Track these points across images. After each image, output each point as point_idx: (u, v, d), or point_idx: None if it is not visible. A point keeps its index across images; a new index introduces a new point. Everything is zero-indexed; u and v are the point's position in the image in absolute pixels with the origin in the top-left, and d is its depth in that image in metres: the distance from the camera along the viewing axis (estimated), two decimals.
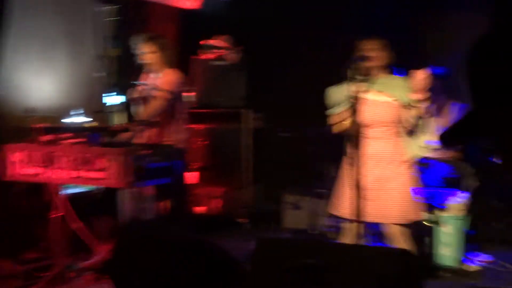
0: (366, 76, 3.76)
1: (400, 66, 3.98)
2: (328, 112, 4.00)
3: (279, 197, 6.32)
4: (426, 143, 5.33)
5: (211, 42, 6.48)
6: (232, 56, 6.40)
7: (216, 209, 6.36)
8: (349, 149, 3.69)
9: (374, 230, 4.28)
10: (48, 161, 4.25)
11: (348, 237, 3.94)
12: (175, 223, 4.68)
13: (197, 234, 4.54)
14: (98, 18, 5.79)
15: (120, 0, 6.23)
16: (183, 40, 6.64)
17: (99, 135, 4.33)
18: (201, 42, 6.49)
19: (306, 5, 6.44)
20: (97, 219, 4.73)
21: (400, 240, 3.86)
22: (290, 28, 6.53)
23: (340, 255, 2.72)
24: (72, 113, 4.62)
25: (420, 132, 3.90)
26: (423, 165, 5.38)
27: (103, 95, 5.74)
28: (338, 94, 3.94)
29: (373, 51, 3.84)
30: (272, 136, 6.66)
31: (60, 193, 4.29)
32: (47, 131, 4.34)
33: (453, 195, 4.79)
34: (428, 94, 3.71)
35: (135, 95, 4.96)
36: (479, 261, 4.78)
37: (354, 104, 3.53)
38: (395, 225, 3.85)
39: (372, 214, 3.74)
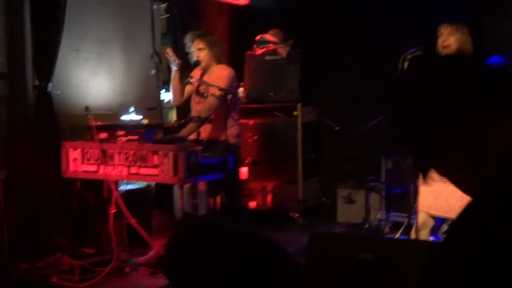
0: None
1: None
2: None
3: (333, 191, 6.29)
4: None
5: (265, 36, 6.48)
6: (285, 50, 6.38)
7: (269, 204, 6.38)
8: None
9: (437, 223, 4.20)
10: (104, 158, 4.35)
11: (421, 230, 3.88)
12: (229, 218, 4.71)
13: (251, 229, 4.57)
14: (152, 16, 5.86)
15: None
16: (237, 35, 6.67)
17: (153, 132, 4.40)
18: (256, 37, 6.50)
19: None
20: (152, 215, 4.81)
21: None
22: (342, 21, 6.47)
23: (394, 251, 2.68)
24: (127, 110, 4.71)
25: None
26: None
27: (159, 92, 5.83)
28: None
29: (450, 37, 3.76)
30: (325, 130, 6.62)
31: (117, 189, 4.37)
32: (103, 129, 4.44)
33: None
34: None
35: (189, 91, 5.01)
36: None
37: None
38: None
39: (437, 207, 3.69)
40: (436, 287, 1.57)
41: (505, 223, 1.41)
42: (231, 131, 4.84)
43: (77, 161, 4.53)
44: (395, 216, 5.54)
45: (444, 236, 4.50)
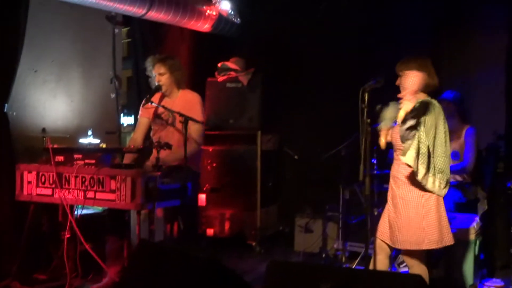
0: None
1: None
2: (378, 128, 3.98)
3: (291, 219, 6.30)
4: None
5: (227, 64, 6.51)
6: (246, 78, 6.42)
7: (227, 231, 6.34)
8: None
9: (393, 253, 4.25)
10: (60, 182, 4.27)
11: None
12: (186, 245, 4.66)
13: (208, 257, 4.52)
14: (113, 40, 5.83)
15: (133, 22, 6.27)
16: (198, 62, 6.68)
17: (111, 156, 4.34)
18: (218, 64, 6.52)
19: (320, 27, 6.46)
20: (108, 240, 4.72)
21: (412, 264, 3.81)
22: (304, 50, 6.55)
23: (350, 280, 2.69)
24: (85, 134, 4.65)
25: None
26: None
27: (118, 116, 5.78)
28: (386, 112, 3.86)
29: (400, 76, 3.82)
30: (285, 158, 6.65)
31: (72, 213, 4.29)
32: (60, 151, 4.36)
33: (464, 219, 4.74)
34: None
35: (151, 116, 4.96)
36: (490, 285, 4.71)
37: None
38: (408, 250, 3.80)
39: (388, 237, 3.78)
40: None
41: None
42: (193, 158, 4.81)
43: (32, 184, 4.43)
44: (352, 246, 5.56)
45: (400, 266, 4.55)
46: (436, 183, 3.64)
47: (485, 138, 5.50)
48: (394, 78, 3.83)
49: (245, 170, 6.37)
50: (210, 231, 6.31)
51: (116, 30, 5.91)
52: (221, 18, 6.56)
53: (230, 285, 2.88)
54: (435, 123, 3.62)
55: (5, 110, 4.75)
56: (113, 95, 5.56)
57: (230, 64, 6.51)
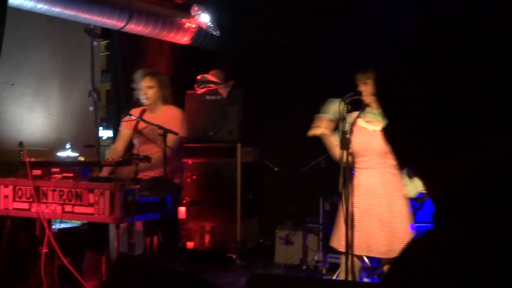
0: (361, 106, 3.84)
1: None
2: (316, 115, 4.01)
3: (271, 232, 6.28)
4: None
5: (207, 76, 6.50)
6: (225, 90, 6.41)
7: (207, 244, 6.31)
8: (344, 180, 3.75)
9: (373, 264, 4.24)
10: (38, 196, 4.21)
11: (343, 271, 3.91)
12: (166, 258, 4.62)
13: (188, 269, 4.49)
14: (92, 52, 5.80)
15: (112, 35, 6.25)
16: (178, 74, 6.67)
17: (89, 170, 4.30)
18: (198, 77, 6.51)
19: (301, 39, 6.49)
20: (86, 255, 4.66)
21: None
22: (284, 63, 6.57)
23: None
24: (63, 147, 4.60)
25: None
26: (418, 201, 5.37)
27: (97, 129, 5.73)
28: (333, 106, 3.93)
29: (366, 84, 3.88)
30: (265, 171, 6.64)
31: (49, 228, 4.23)
32: (38, 165, 4.31)
33: None
34: None
35: (130, 133, 4.93)
36: None
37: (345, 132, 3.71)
38: (389, 260, 3.82)
39: (361, 247, 3.76)
40: None
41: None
42: (175, 171, 4.79)
43: (9, 198, 4.36)
44: (333, 258, 5.56)
45: (383, 276, 4.54)
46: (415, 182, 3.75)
47: None
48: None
49: (225, 182, 6.36)
50: (190, 244, 6.27)
51: (95, 43, 5.88)
52: (200, 31, 6.57)
53: None
54: None
55: None
56: (91, 108, 5.52)
57: (209, 77, 6.50)
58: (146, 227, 4.73)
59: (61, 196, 4.14)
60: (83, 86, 5.79)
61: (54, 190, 4.17)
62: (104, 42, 6.43)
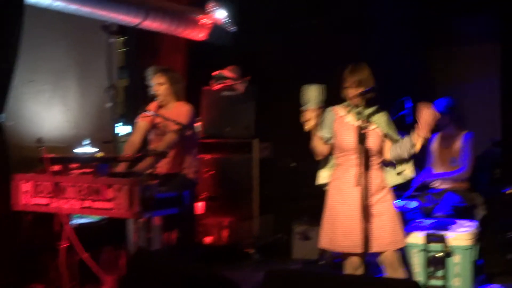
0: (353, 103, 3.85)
1: (408, 98, 3.98)
2: (301, 109, 3.99)
3: (289, 227, 6.28)
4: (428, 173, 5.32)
5: (223, 72, 6.51)
6: (241, 86, 6.42)
7: (224, 239, 6.33)
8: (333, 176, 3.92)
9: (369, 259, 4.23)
10: (57, 191, 4.25)
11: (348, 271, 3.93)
12: (183, 253, 4.65)
13: (205, 265, 4.51)
14: (108, 49, 5.83)
15: (129, 31, 6.28)
16: (194, 70, 6.68)
17: (108, 165, 4.33)
18: (213, 73, 6.53)
19: (314, 35, 6.48)
20: (105, 250, 4.71)
21: (396, 266, 3.83)
22: (299, 58, 6.55)
23: (348, 287, 2.68)
24: (81, 143, 4.64)
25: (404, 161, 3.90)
26: (434, 195, 5.35)
27: (114, 125, 5.76)
28: (311, 92, 3.92)
29: (355, 80, 3.86)
30: (281, 166, 6.64)
31: (68, 223, 4.27)
32: (57, 161, 4.35)
33: (462, 224, 4.74)
34: (431, 129, 3.68)
35: (147, 125, 4.97)
36: None
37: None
38: (391, 252, 3.82)
39: (364, 244, 3.74)
40: None
41: None
42: (190, 166, 4.82)
43: (28, 194, 4.41)
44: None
45: None
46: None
47: (481, 144, 5.53)
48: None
49: (242, 178, 6.37)
50: (207, 240, 6.30)
51: (111, 40, 5.90)
52: (216, 27, 6.57)
53: None
54: None
55: (1, 120, 4.74)
56: (109, 105, 5.55)
57: (225, 73, 6.52)
58: (164, 222, 4.76)
59: (80, 191, 4.18)
60: (100, 83, 5.81)
61: (73, 186, 4.21)
62: (121, 39, 6.46)
